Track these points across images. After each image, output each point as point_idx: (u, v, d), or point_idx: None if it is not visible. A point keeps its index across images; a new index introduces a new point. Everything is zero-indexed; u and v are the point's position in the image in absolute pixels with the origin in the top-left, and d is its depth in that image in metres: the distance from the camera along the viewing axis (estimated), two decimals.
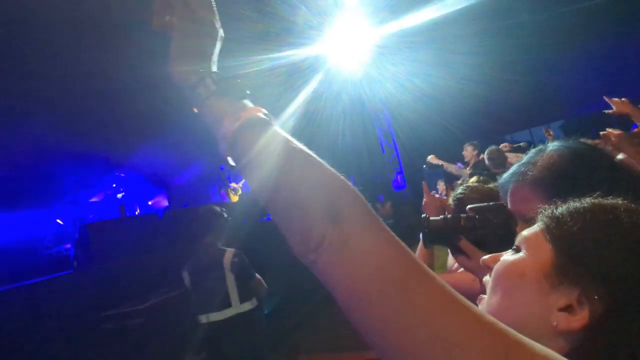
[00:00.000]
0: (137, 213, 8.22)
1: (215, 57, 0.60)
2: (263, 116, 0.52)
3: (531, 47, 6.77)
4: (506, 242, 0.90)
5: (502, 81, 6.94)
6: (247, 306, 2.74)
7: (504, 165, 3.72)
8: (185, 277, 2.86)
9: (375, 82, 8.56)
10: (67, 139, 6.40)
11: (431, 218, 1.01)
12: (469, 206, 1.00)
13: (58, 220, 6.99)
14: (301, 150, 0.49)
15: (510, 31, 6.29)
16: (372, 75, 8.26)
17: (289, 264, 3.00)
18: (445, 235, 0.98)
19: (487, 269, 0.67)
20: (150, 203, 9.15)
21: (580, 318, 0.49)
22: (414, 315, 0.37)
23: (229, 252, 2.80)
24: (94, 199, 8.18)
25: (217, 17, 0.60)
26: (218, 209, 2.95)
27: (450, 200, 1.39)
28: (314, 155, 0.48)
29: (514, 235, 0.88)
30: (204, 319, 2.74)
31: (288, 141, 0.49)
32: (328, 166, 0.48)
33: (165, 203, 9.11)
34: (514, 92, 7.37)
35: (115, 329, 3.25)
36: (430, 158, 5.53)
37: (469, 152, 4.97)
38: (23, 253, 6.49)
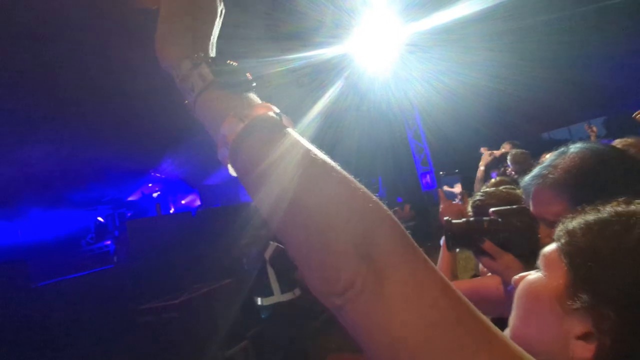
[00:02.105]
0: (171, 211, 8.54)
1: (214, 38, 0.47)
2: (274, 115, 0.41)
3: (570, 43, 6.41)
4: (530, 244, 0.88)
5: (538, 79, 6.66)
6: (289, 296, 2.92)
7: (530, 170, 3.51)
8: (245, 263, 3.14)
9: (404, 82, 8.45)
10: (107, 143, 6.77)
11: (453, 221, 1.00)
12: (492, 209, 0.99)
13: (99, 218, 7.37)
14: (323, 163, 0.37)
15: (548, 27, 6.00)
16: (400, 74, 8.16)
17: None
18: (468, 238, 0.97)
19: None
20: (183, 202, 9.47)
21: (594, 347, 0.44)
22: None
23: (271, 246, 2.97)
24: (131, 198, 8.58)
25: None
26: None
27: (469, 208, 1.37)
28: (339, 169, 0.37)
29: (537, 238, 0.86)
30: (256, 301, 2.98)
31: (306, 149, 0.38)
32: (357, 183, 0.37)
33: (197, 202, 9.41)
34: (552, 90, 7.06)
35: (151, 321, 3.40)
36: (483, 150, 5.36)
37: (506, 150, 4.78)
38: (67, 248, 6.91)
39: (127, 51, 5.33)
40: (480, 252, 0.96)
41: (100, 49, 5.16)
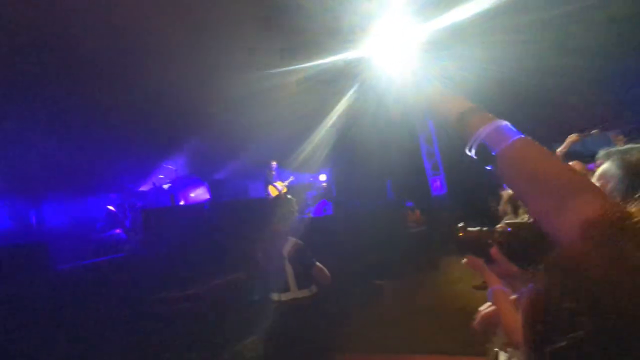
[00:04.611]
0: (181, 203, 8.58)
1: None
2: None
3: (603, 32, 5.79)
4: (535, 262, 0.86)
5: (568, 74, 6.28)
6: (305, 292, 2.86)
7: None
8: (260, 258, 3.08)
9: (420, 83, 8.29)
10: (121, 135, 6.86)
11: (468, 228, 1.02)
12: (505, 221, 1.00)
13: (110, 207, 7.41)
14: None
15: (579, 16, 5.45)
16: (417, 76, 8.00)
17: (326, 263, 3.01)
18: (477, 246, 0.99)
19: None
20: (192, 195, 9.51)
21: None
22: None
23: (290, 242, 2.93)
24: (142, 188, 8.63)
25: None
26: (286, 199, 3.10)
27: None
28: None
29: (544, 254, 0.84)
30: (271, 296, 2.93)
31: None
32: None
33: (206, 196, 9.44)
34: (582, 87, 6.67)
35: (164, 312, 3.41)
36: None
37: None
38: (77, 236, 6.95)
39: (142, 47, 5.41)
40: (489, 260, 0.97)
41: (117, 45, 5.24)
